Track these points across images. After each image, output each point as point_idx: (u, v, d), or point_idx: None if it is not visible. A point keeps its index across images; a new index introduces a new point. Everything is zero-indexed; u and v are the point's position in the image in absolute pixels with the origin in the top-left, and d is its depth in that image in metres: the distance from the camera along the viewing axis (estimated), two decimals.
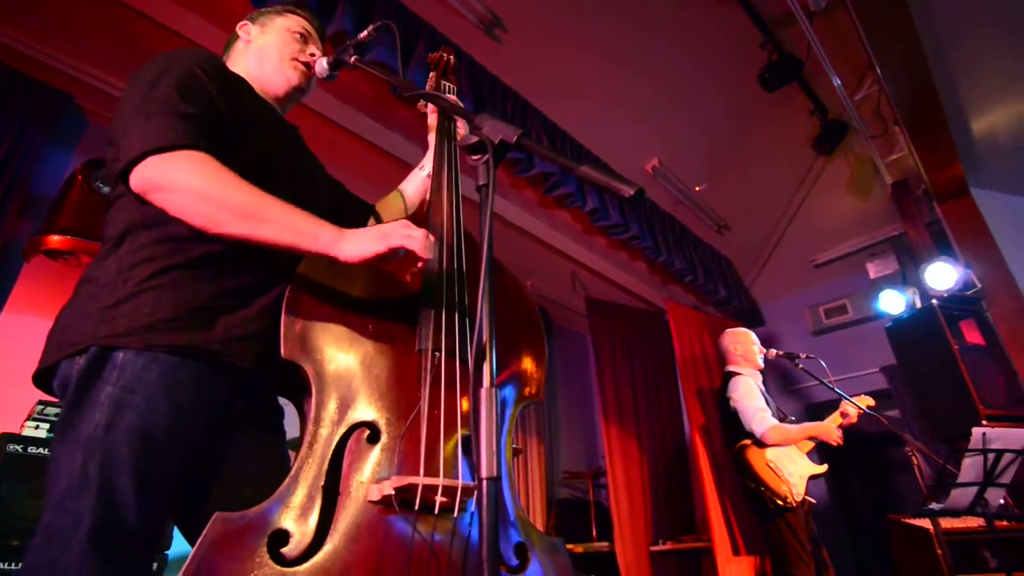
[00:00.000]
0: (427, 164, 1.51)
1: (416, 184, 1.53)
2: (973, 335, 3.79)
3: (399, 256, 0.99)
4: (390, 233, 0.99)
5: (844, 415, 3.21)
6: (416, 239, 0.99)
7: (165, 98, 1.01)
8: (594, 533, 4.76)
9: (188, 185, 0.95)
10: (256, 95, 1.26)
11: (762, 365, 3.49)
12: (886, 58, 3.03)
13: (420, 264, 1.02)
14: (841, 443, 3.12)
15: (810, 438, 3.17)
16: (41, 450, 2.24)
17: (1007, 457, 2.50)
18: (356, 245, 0.97)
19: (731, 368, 3.50)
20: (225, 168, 0.98)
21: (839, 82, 3.53)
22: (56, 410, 2.36)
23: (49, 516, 0.89)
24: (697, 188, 4.53)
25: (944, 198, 3.97)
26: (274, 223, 0.96)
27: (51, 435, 2.31)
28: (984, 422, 3.12)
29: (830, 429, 3.14)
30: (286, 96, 1.33)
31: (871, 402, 3.22)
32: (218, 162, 0.98)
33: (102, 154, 2.92)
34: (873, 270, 4.71)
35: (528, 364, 1.24)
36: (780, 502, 2.93)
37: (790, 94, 3.75)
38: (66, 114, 2.99)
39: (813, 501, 3.10)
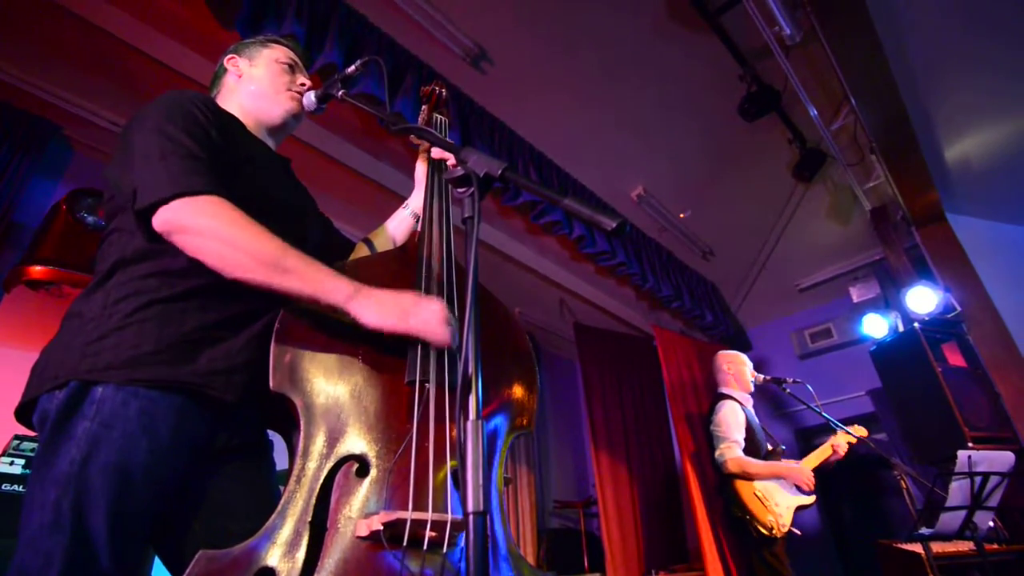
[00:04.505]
0: (412, 203, 1.53)
1: (400, 223, 1.54)
2: (955, 358, 3.85)
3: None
4: (410, 313, 1.01)
5: (835, 448, 3.22)
6: (437, 328, 1.02)
7: (178, 140, 1.04)
8: (586, 564, 4.68)
9: (215, 230, 0.98)
10: (247, 133, 1.28)
11: (752, 388, 3.52)
12: (860, 89, 3.13)
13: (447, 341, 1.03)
14: (812, 488, 3.12)
15: (779, 478, 3.16)
16: (15, 487, 2.17)
17: (993, 480, 2.52)
18: (376, 315, 1.00)
19: (722, 390, 3.52)
20: (246, 215, 1.00)
21: (816, 112, 3.64)
22: (32, 445, 2.30)
23: (20, 556, 0.86)
24: (682, 215, 4.60)
25: (921, 223, 4.06)
26: (295, 275, 0.99)
27: (26, 471, 2.24)
28: (970, 444, 3.15)
29: (801, 472, 3.14)
30: (283, 125, 1.36)
31: (863, 432, 3.24)
32: (239, 209, 1.01)
33: (87, 184, 2.93)
34: (856, 294, 4.78)
35: (520, 395, 1.23)
36: (765, 531, 2.93)
37: (769, 124, 3.85)
38: (52, 144, 2.99)
39: (798, 533, 3.07)
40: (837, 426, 3.27)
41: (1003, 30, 2.99)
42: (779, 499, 3.05)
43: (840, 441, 3.24)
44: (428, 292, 1.17)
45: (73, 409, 0.93)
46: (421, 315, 1.01)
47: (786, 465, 3.20)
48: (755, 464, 3.14)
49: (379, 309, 1.00)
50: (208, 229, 0.98)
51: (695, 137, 4.11)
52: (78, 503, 0.87)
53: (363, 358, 1.05)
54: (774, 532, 2.91)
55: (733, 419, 3.30)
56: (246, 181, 1.16)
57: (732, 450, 3.17)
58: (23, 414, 1.02)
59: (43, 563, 0.84)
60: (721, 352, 3.72)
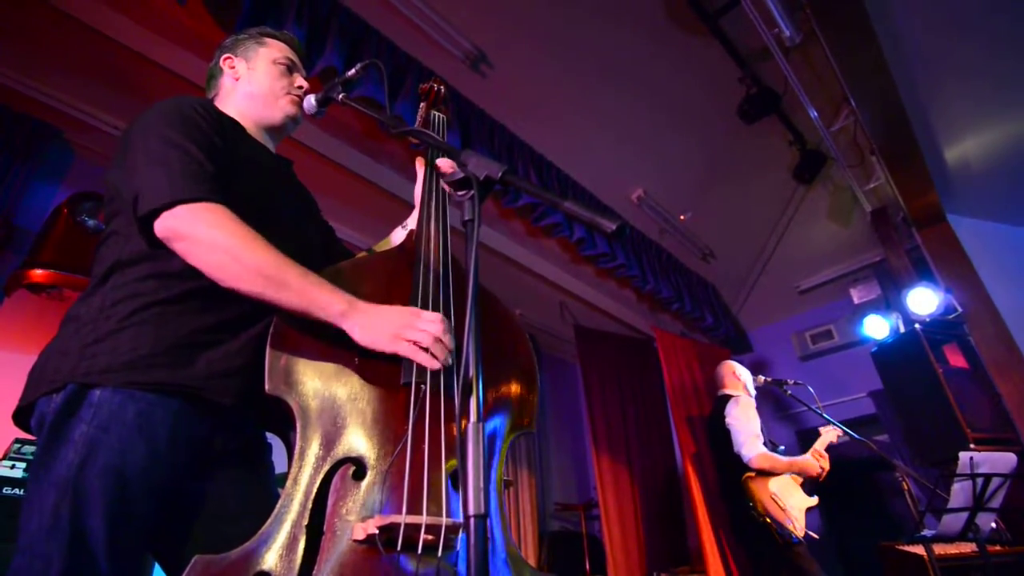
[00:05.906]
0: (411, 223, 1.50)
1: (399, 239, 1.53)
2: (957, 359, 3.84)
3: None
4: (403, 331, 1.00)
5: (820, 462, 3.20)
6: (430, 337, 1.00)
7: (180, 146, 1.04)
8: (587, 567, 4.66)
9: (214, 240, 0.98)
10: (248, 137, 1.28)
11: (755, 395, 3.51)
12: (860, 90, 3.13)
13: (435, 365, 1.02)
14: (823, 472, 3.12)
15: (797, 471, 3.14)
16: (16, 491, 2.17)
17: (995, 481, 2.51)
18: (366, 335, 1.00)
19: (727, 391, 3.50)
20: (246, 225, 1.00)
21: (816, 114, 3.64)
22: (33, 449, 2.30)
23: (18, 560, 0.86)
24: (682, 217, 4.60)
25: (922, 225, 4.06)
26: (292, 290, 0.99)
27: (27, 475, 2.24)
28: (972, 446, 3.14)
29: (813, 463, 3.14)
30: (282, 127, 1.36)
31: (835, 437, 3.24)
32: (238, 217, 1.01)
33: (88, 188, 2.93)
34: (857, 295, 4.78)
35: (520, 394, 1.22)
36: (787, 536, 2.87)
37: (769, 125, 3.85)
38: (52, 148, 2.99)
39: (815, 536, 3.02)
40: (835, 425, 3.25)
41: (1000, 36, 3.00)
42: (791, 501, 2.99)
43: (824, 441, 3.24)
44: (425, 291, 1.17)
45: (70, 412, 0.93)
46: (412, 336, 1.00)
47: (799, 458, 3.17)
48: (778, 458, 3.08)
49: (370, 329, 1.00)
50: (208, 238, 0.98)
51: (695, 139, 4.11)
52: (76, 507, 0.87)
53: (359, 360, 1.04)
54: (796, 535, 2.86)
55: (750, 413, 3.25)
56: (248, 184, 1.16)
57: (756, 445, 3.08)
58: (21, 418, 1.02)
59: (42, 567, 0.84)
60: (728, 361, 3.73)
